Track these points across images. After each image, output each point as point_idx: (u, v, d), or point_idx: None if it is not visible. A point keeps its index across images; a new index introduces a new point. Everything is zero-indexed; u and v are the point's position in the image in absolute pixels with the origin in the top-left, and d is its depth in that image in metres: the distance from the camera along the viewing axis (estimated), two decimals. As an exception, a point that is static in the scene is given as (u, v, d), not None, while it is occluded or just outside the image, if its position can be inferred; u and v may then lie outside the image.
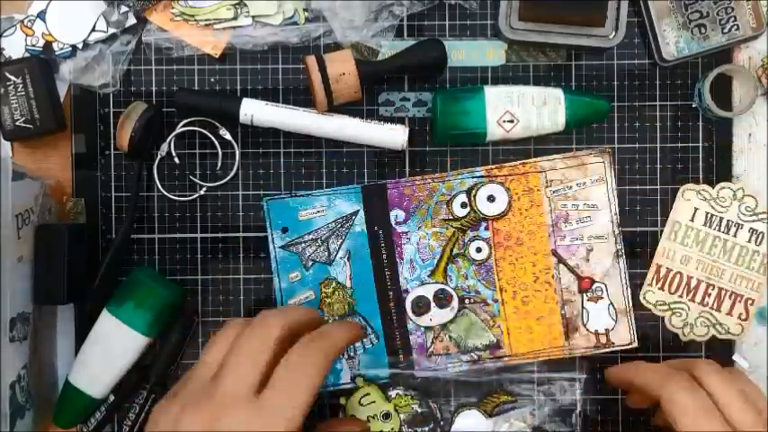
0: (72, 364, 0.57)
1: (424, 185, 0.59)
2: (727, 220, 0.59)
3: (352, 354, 0.59)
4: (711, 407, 0.46)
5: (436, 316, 0.59)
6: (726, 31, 0.58)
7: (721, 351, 0.59)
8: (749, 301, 0.59)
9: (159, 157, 0.59)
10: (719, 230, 0.59)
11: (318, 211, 0.59)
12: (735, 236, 0.59)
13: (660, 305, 0.59)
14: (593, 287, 0.59)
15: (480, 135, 0.57)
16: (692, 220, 0.59)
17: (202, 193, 0.59)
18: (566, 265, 0.59)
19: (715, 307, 0.59)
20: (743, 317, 0.59)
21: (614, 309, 0.59)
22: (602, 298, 0.59)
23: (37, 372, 0.56)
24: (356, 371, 0.58)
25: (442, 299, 0.59)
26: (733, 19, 0.58)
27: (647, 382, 0.49)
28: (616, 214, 0.59)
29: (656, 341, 0.59)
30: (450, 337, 0.59)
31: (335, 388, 0.59)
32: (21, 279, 0.53)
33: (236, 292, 0.59)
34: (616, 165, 0.59)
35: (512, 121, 0.56)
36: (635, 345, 0.59)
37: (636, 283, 0.59)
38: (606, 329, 0.59)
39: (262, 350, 0.44)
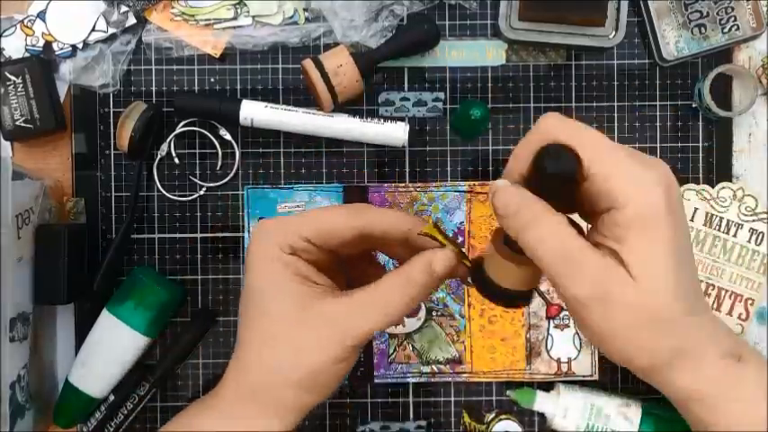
0: (72, 364, 0.57)
1: (406, 193, 0.59)
2: (728, 220, 0.59)
3: None
4: None
5: (402, 324, 0.59)
6: (726, 31, 0.58)
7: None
8: (749, 301, 0.59)
9: (159, 157, 0.59)
10: (719, 230, 0.59)
11: (297, 206, 0.59)
12: (735, 236, 0.59)
13: (660, 305, 0.59)
14: (561, 315, 0.59)
15: None
16: (692, 220, 0.59)
17: (202, 193, 0.59)
18: (536, 290, 0.59)
19: (715, 307, 0.59)
20: (743, 317, 0.59)
21: (579, 339, 0.59)
22: (568, 326, 0.59)
23: (37, 372, 0.56)
24: None
25: None
26: (733, 19, 0.58)
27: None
28: None
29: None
30: (413, 346, 0.59)
31: None
32: (21, 279, 0.53)
33: (236, 293, 0.59)
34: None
35: None
36: (595, 377, 0.59)
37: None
38: (569, 358, 0.59)
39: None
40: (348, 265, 0.44)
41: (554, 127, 0.36)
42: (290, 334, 0.40)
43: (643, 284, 0.34)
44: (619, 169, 0.35)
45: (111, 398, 0.58)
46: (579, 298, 0.35)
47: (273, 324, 0.40)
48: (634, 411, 0.56)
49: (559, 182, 0.36)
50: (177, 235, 0.59)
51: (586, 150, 0.35)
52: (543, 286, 0.59)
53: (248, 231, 0.59)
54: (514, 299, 0.38)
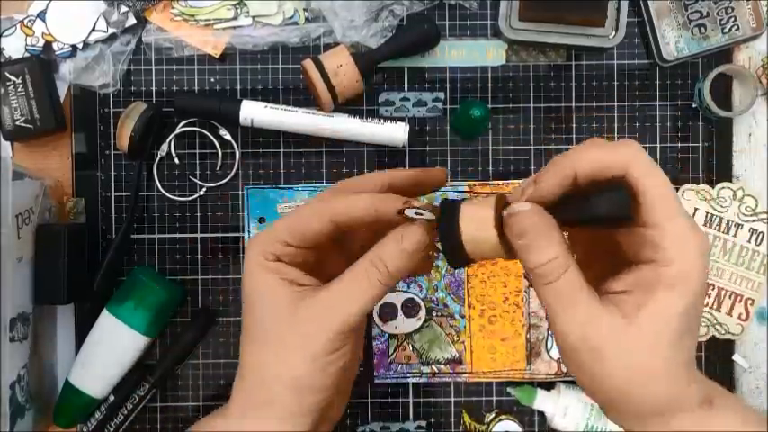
0: (72, 364, 0.57)
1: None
2: (727, 220, 0.59)
3: None
4: None
5: (402, 324, 0.59)
6: (726, 31, 0.58)
7: (721, 351, 0.59)
8: (749, 301, 0.59)
9: (159, 157, 0.59)
10: (719, 230, 0.59)
11: (297, 206, 0.59)
12: (735, 236, 0.59)
13: (660, 305, 0.59)
14: None
15: None
16: (692, 220, 0.59)
17: (202, 193, 0.59)
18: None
19: (715, 307, 0.59)
20: (743, 317, 0.59)
21: None
22: None
23: (37, 372, 0.56)
24: None
25: (410, 308, 0.59)
26: (733, 19, 0.58)
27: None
28: None
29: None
30: (413, 346, 0.59)
31: None
32: (21, 279, 0.53)
33: (236, 293, 0.59)
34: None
35: None
36: None
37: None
38: None
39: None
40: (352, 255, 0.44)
41: (601, 159, 0.34)
42: (279, 337, 0.40)
43: (649, 338, 0.34)
44: (673, 225, 0.34)
45: (111, 398, 0.58)
46: (568, 340, 0.35)
47: (264, 331, 0.41)
48: None
49: (603, 223, 0.33)
50: (177, 235, 0.59)
51: (647, 196, 0.34)
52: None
53: (248, 231, 0.59)
54: (465, 262, 0.37)
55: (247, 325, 0.42)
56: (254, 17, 0.58)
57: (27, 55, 0.58)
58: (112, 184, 0.59)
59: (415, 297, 0.59)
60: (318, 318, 0.39)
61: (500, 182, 0.59)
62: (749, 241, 0.59)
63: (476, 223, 0.36)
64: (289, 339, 0.40)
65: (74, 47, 0.58)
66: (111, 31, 0.58)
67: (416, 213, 0.39)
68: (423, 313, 0.59)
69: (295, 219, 0.41)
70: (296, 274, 0.41)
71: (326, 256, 0.43)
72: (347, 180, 0.43)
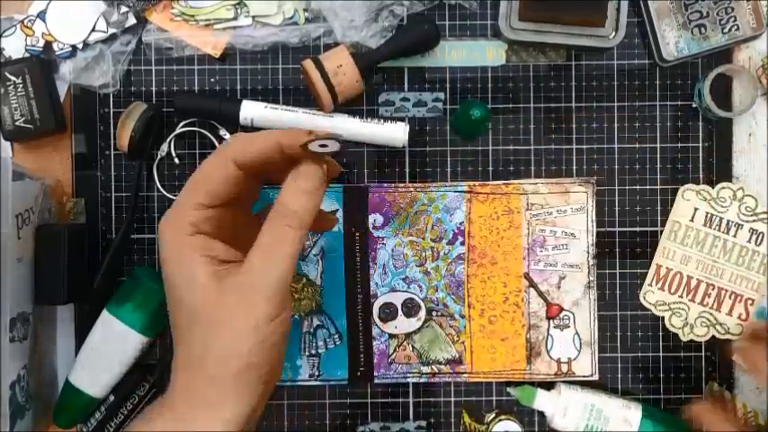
0: (72, 364, 0.57)
1: (406, 193, 0.59)
2: (728, 221, 0.59)
3: (313, 352, 0.59)
4: None
5: (402, 324, 0.59)
6: (726, 31, 0.58)
7: (721, 351, 0.59)
8: (749, 301, 0.59)
9: (159, 157, 0.59)
10: (719, 230, 0.59)
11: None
12: (735, 236, 0.59)
13: (660, 305, 0.59)
14: (561, 315, 0.59)
15: None
16: (692, 221, 0.59)
17: (202, 193, 0.59)
18: (536, 289, 0.59)
19: (715, 307, 0.59)
20: (743, 317, 0.59)
21: (579, 339, 0.59)
22: (568, 327, 0.59)
23: (37, 372, 0.56)
24: (316, 369, 0.59)
25: (410, 308, 0.59)
26: (733, 19, 0.58)
27: None
28: (593, 245, 0.59)
29: (656, 341, 0.59)
30: (413, 347, 0.59)
31: (293, 384, 0.59)
32: (21, 279, 0.53)
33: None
34: (616, 165, 0.59)
35: None
36: (596, 377, 0.59)
37: (636, 283, 0.59)
38: (569, 359, 0.59)
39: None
40: None
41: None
42: (212, 319, 0.39)
43: None
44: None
45: (111, 398, 0.58)
46: None
47: (195, 315, 0.40)
48: (634, 413, 0.56)
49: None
50: (177, 235, 0.59)
51: None
52: (543, 287, 0.59)
53: (248, 231, 0.59)
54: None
55: (174, 310, 0.41)
56: (254, 17, 0.58)
57: (27, 55, 0.58)
58: (112, 184, 0.59)
59: (415, 297, 0.59)
60: (250, 291, 0.39)
61: (500, 182, 0.59)
62: (749, 241, 0.59)
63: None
64: (222, 319, 0.39)
65: (74, 47, 0.58)
66: (111, 31, 0.58)
67: (321, 146, 0.39)
68: (423, 313, 0.59)
69: (196, 176, 0.41)
70: (219, 249, 0.40)
71: (240, 229, 0.42)
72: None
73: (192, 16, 0.58)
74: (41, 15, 0.58)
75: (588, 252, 0.59)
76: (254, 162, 0.41)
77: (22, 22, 0.58)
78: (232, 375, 0.39)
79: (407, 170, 0.60)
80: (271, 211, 0.40)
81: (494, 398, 0.60)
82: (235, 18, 0.58)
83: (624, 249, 0.59)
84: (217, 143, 0.59)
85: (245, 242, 0.41)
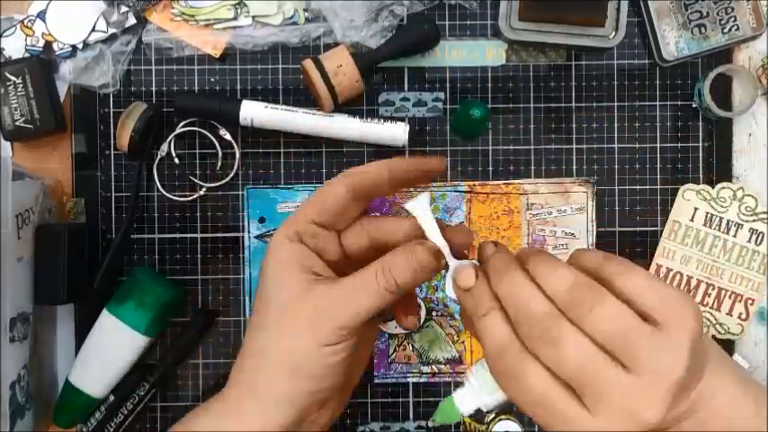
0: (72, 364, 0.57)
1: (406, 193, 0.59)
2: (728, 220, 0.59)
3: None
4: None
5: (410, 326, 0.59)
6: (726, 31, 0.58)
7: (721, 351, 0.59)
8: (749, 301, 0.59)
9: (159, 157, 0.59)
10: (719, 230, 0.59)
11: (298, 206, 0.59)
12: (735, 236, 0.59)
13: (660, 305, 0.59)
14: None
15: None
16: (692, 220, 0.59)
17: (202, 193, 0.59)
18: None
19: (715, 307, 0.59)
20: (743, 317, 0.59)
21: None
22: None
23: (37, 372, 0.56)
24: None
25: None
26: (733, 19, 0.58)
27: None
28: (593, 245, 0.59)
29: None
30: (413, 346, 0.59)
31: None
32: (21, 279, 0.53)
33: (236, 292, 0.59)
34: (616, 165, 0.59)
35: None
36: None
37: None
38: None
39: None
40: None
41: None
42: (281, 321, 0.41)
43: None
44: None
45: (111, 398, 0.58)
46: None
47: (268, 313, 0.42)
48: None
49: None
50: (177, 235, 0.59)
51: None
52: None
53: (248, 232, 0.59)
54: None
55: (255, 307, 0.43)
56: (254, 17, 0.58)
57: (27, 55, 0.58)
58: (112, 184, 0.59)
59: (416, 297, 0.59)
60: (327, 308, 0.40)
61: (500, 182, 0.59)
62: (749, 241, 0.59)
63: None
64: (296, 322, 0.41)
65: (74, 47, 0.58)
66: (111, 31, 0.58)
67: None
68: (423, 313, 0.59)
69: (315, 194, 0.43)
70: (314, 262, 0.42)
71: (344, 266, 0.44)
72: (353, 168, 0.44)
73: (192, 16, 0.58)
74: (41, 15, 0.58)
75: None
76: (364, 188, 0.43)
77: (22, 22, 0.58)
78: (268, 380, 0.41)
79: (407, 170, 0.60)
80: (376, 262, 0.41)
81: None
82: (235, 18, 0.58)
83: (624, 249, 0.59)
84: (217, 143, 0.59)
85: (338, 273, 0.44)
